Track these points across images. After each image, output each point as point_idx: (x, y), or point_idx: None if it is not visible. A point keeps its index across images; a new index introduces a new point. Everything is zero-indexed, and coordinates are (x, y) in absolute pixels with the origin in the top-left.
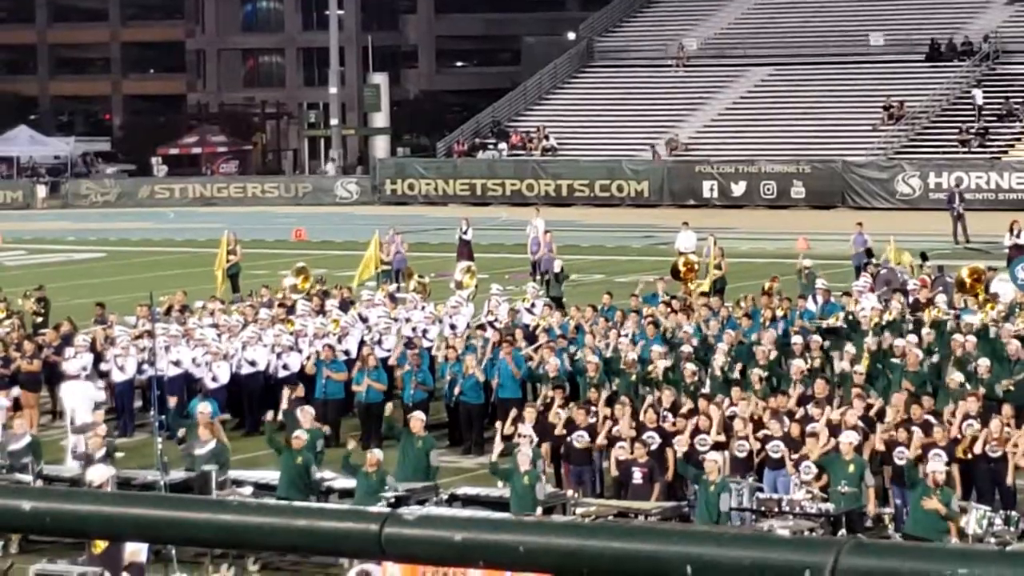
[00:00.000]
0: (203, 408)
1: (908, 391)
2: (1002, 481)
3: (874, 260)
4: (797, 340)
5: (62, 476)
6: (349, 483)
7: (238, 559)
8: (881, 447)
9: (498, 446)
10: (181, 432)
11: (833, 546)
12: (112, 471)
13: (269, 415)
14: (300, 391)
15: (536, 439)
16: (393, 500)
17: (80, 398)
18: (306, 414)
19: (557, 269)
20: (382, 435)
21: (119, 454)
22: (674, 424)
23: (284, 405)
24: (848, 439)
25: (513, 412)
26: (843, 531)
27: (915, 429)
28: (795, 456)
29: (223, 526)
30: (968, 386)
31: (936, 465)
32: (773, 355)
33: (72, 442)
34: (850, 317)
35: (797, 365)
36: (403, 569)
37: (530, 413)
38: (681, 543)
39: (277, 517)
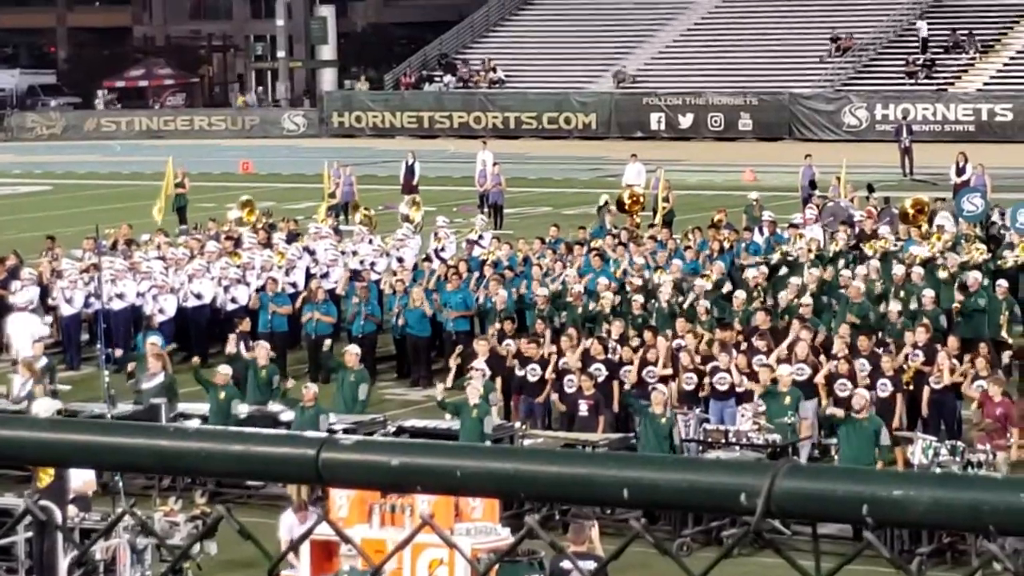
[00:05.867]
0: (153, 339)
1: (852, 323)
2: (947, 412)
3: (818, 192)
4: (749, 273)
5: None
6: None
7: (185, 492)
8: (823, 379)
9: (449, 380)
10: (131, 366)
11: (769, 469)
12: (58, 404)
13: (195, 359)
14: (246, 325)
15: (489, 373)
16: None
17: (25, 331)
18: (261, 349)
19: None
20: (328, 369)
21: (64, 387)
22: (620, 356)
23: (231, 343)
24: (784, 371)
25: (463, 344)
26: None
27: (861, 361)
28: (741, 389)
29: (159, 451)
30: (904, 318)
31: (858, 394)
32: (724, 288)
33: (14, 380)
34: (790, 253)
35: (739, 297)
36: (352, 503)
37: (482, 346)
38: (617, 467)
39: (213, 442)
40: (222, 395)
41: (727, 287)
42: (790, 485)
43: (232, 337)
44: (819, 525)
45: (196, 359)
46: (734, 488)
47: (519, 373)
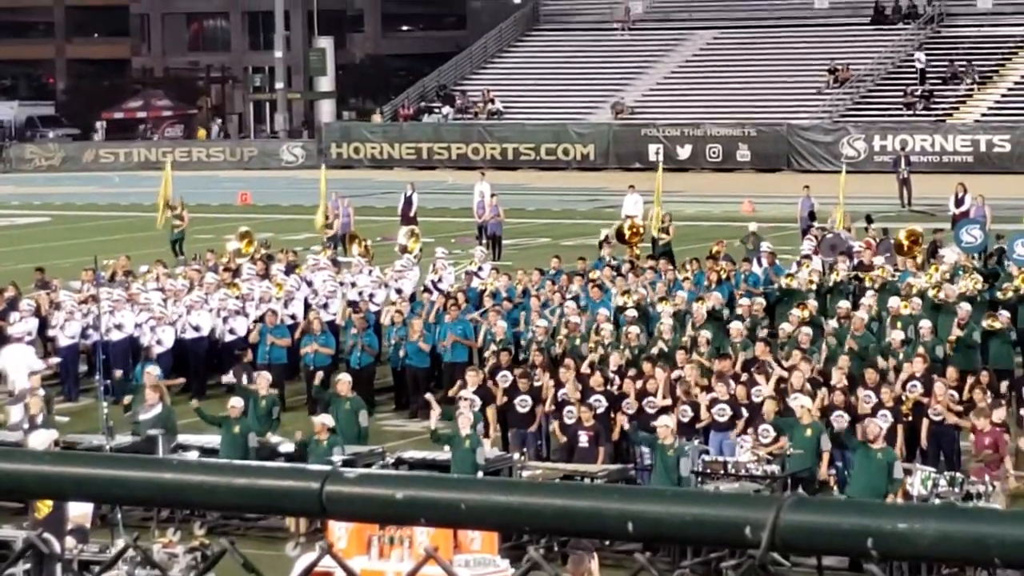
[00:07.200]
0: (150, 370)
1: (852, 352)
2: (947, 443)
3: (816, 223)
4: (743, 302)
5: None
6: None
7: (183, 523)
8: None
9: (436, 410)
10: (127, 399)
11: (773, 502)
12: (54, 435)
13: (194, 403)
14: (249, 356)
15: (479, 403)
16: (340, 464)
17: (21, 363)
18: (263, 380)
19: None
20: (324, 403)
21: (63, 419)
22: (620, 388)
23: (230, 374)
24: (802, 403)
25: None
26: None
27: (864, 391)
28: (740, 420)
29: (163, 484)
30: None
31: (873, 423)
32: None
33: (11, 412)
34: (791, 284)
35: (736, 328)
36: (351, 535)
37: (473, 377)
38: (622, 500)
39: (217, 475)
40: (237, 428)
41: (702, 317)
42: (795, 518)
43: (236, 368)
44: (822, 558)
45: (194, 402)
46: (739, 521)
47: (510, 404)
